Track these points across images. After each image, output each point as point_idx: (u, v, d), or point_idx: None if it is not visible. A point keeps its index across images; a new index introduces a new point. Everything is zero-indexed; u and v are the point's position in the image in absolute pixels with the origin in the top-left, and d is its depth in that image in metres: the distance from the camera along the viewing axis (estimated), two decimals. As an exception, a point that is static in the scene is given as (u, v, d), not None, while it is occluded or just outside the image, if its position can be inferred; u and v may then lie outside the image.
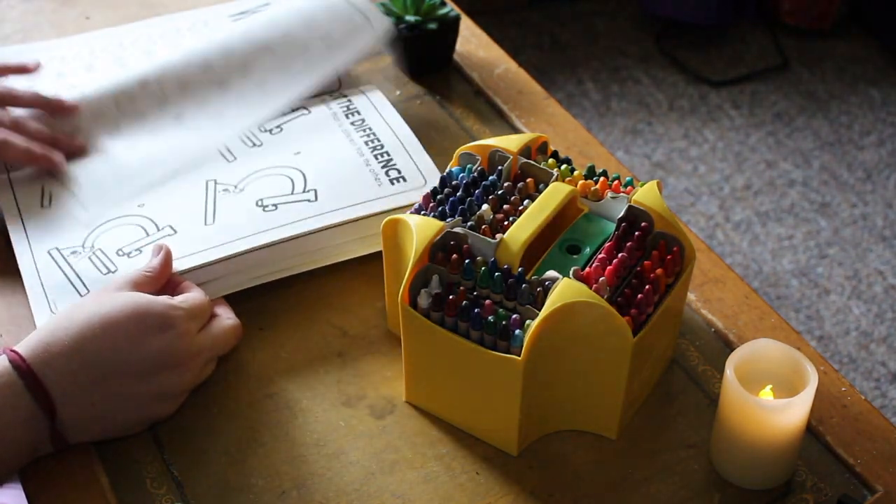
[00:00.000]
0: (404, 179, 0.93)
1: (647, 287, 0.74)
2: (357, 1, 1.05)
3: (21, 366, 0.73)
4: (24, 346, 0.74)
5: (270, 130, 0.99)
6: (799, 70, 2.45)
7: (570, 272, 0.74)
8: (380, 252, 0.83)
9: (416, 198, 0.90)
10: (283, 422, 0.80)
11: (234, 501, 0.75)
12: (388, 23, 1.05)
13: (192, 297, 0.81)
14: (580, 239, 0.79)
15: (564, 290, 0.72)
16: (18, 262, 0.88)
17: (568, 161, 0.86)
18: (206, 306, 0.81)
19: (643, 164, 2.23)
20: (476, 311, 0.72)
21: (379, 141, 0.97)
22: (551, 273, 0.75)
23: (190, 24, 1.16)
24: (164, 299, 0.78)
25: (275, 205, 0.90)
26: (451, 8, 1.10)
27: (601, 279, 0.74)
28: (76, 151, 0.95)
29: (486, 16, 2.43)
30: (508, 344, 0.72)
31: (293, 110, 1.01)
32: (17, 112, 0.96)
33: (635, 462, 0.78)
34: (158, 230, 0.89)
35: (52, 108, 0.96)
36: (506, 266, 0.75)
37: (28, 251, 0.89)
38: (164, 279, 0.82)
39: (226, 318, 0.83)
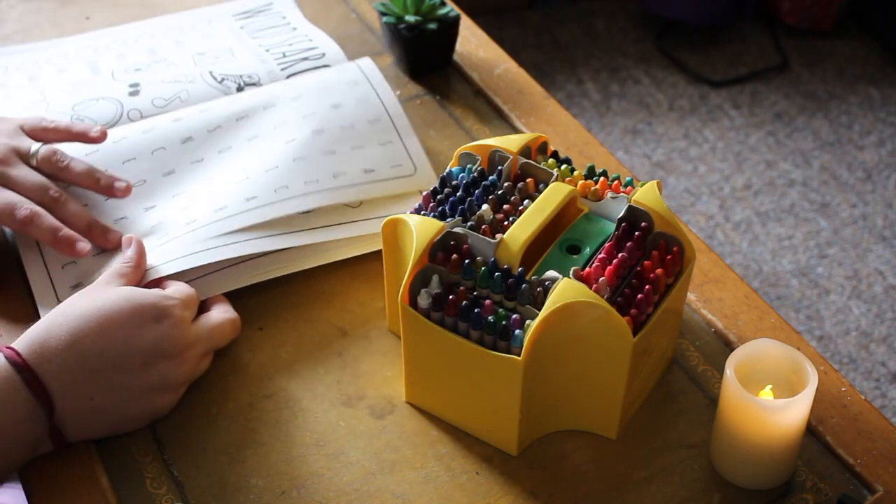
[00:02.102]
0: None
1: (647, 287, 0.74)
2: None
3: (18, 362, 0.73)
4: (21, 343, 0.74)
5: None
6: (799, 70, 2.45)
7: (570, 272, 0.74)
8: (380, 252, 0.83)
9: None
10: (283, 422, 0.80)
11: (234, 501, 0.75)
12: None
13: (181, 287, 0.82)
14: (580, 239, 0.79)
15: (564, 290, 0.72)
16: (21, 254, 0.88)
17: (568, 161, 0.86)
18: (195, 297, 0.82)
19: (643, 164, 2.23)
20: (476, 311, 0.72)
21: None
22: (551, 273, 0.75)
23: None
24: (156, 291, 0.79)
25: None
26: (451, 8, 1.10)
27: (601, 279, 0.74)
28: (106, 246, 0.90)
29: (486, 16, 2.43)
30: (508, 344, 0.72)
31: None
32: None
33: (635, 462, 0.78)
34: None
35: (102, 190, 0.92)
36: (506, 266, 0.75)
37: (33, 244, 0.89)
38: (144, 267, 0.83)
39: (223, 311, 0.83)
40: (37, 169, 0.90)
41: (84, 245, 0.87)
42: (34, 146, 0.91)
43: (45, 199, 0.88)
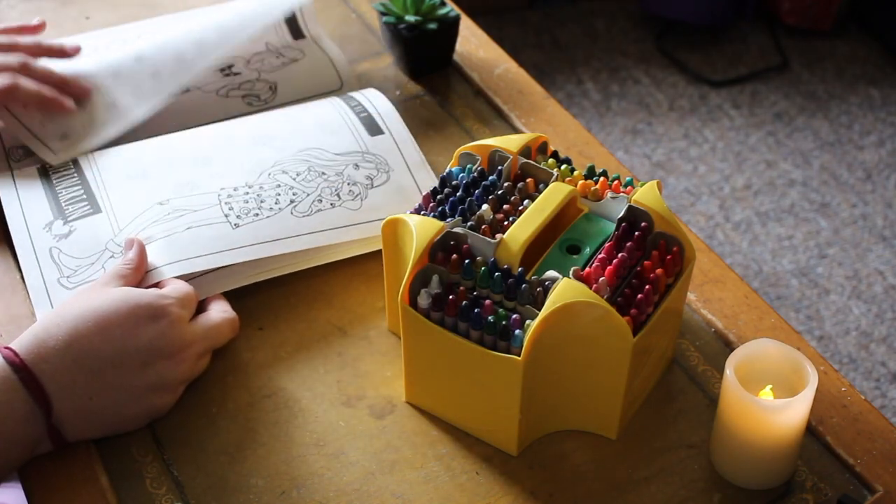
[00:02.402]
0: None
1: (647, 287, 0.74)
2: None
3: (16, 362, 0.73)
4: (19, 344, 0.75)
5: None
6: (799, 70, 2.45)
7: (570, 272, 0.74)
8: (380, 252, 0.83)
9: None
10: (283, 422, 0.80)
11: (234, 501, 0.75)
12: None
13: (179, 286, 0.82)
14: (580, 239, 0.79)
15: (564, 290, 0.72)
16: (20, 258, 0.88)
17: (568, 161, 0.86)
18: (193, 296, 0.82)
19: (643, 164, 2.23)
20: (476, 311, 0.72)
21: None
22: (551, 273, 0.75)
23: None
24: (153, 290, 0.79)
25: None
26: (451, 8, 1.10)
27: (601, 279, 0.74)
28: (82, 94, 0.97)
29: (486, 16, 2.43)
30: (508, 344, 0.72)
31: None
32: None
33: (635, 462, 0.78)
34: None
35: (53, 54, 0.98)
36: (506, 266, 0.75)
37: (30, 247, 0.89)
38: (144, 269, 0.83)
39: (222, 310, 0.83)
40: None
41: (70, 101, 0.94)
42: None
43: (14, 68, 0.93)
